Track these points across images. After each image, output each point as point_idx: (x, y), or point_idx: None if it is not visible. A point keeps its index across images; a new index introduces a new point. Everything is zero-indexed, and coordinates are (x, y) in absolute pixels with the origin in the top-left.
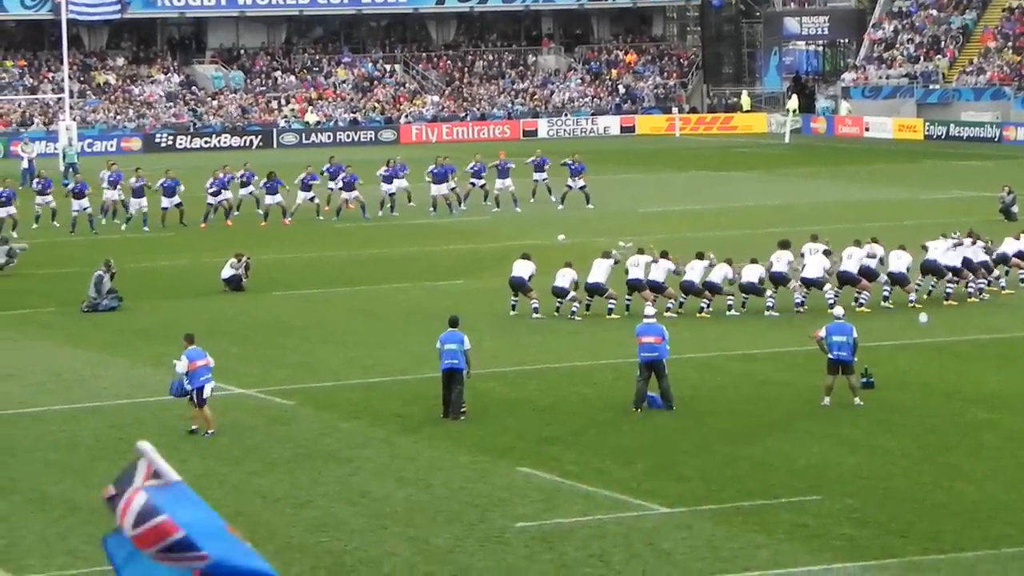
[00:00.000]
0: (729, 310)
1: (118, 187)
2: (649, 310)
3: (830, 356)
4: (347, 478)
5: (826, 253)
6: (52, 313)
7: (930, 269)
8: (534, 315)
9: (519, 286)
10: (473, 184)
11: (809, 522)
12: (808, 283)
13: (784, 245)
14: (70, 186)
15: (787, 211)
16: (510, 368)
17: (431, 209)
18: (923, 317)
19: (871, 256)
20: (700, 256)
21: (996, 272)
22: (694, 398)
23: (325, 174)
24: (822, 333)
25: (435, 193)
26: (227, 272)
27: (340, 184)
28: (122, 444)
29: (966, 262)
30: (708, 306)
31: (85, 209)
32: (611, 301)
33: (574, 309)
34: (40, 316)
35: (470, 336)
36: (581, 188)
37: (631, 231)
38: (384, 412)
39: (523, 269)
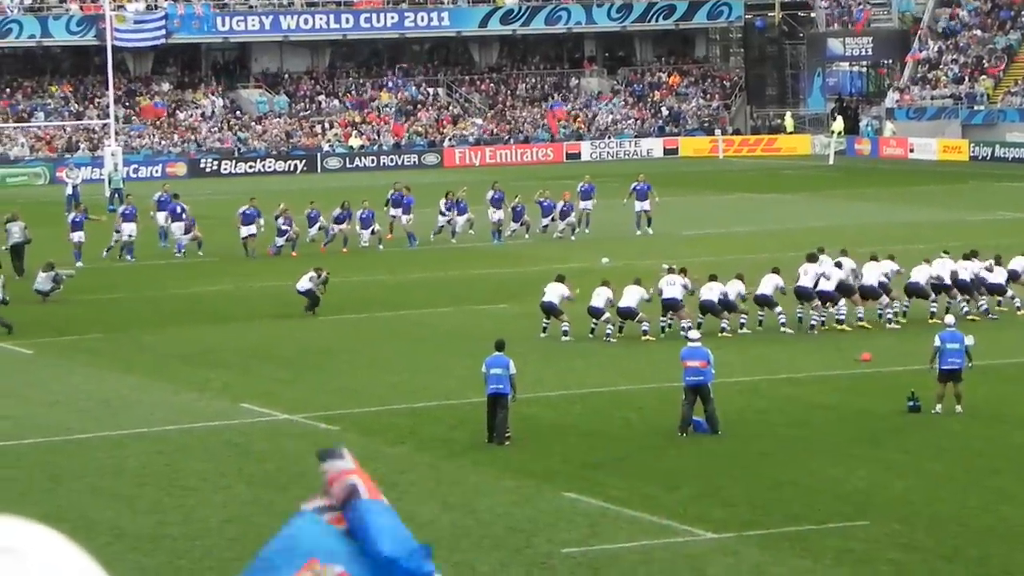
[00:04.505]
0: (741, 328)
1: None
2: (694, 334)
3: (943, 367)
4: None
5: (838, 265)
6: (98, 339)
7: (914, 291)
8: (563, 338)
9: (550, 310)
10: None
11: (856, 547)
12: (824, 297)
13: (812, 259)
14: (120, 209)
15: (832, 233)
16: (554, 392)
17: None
18: (969, 339)
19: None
20: (714, 277)
21: (1010, 292)
22: (739, 422)
23: (389, 203)
24: (936, 343)
25: (494, 219)
26: (304, 284)
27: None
28: (168, 470)
29: (961, 282)
30: (728, 326)
31: (130, 236)
32: (644, 324)
33: (608, 331)
34: (86, 342)
35: (514, 360)
36: (643, 211)
37: (675, 254)
38: (429, 437)
39: (555, 293)
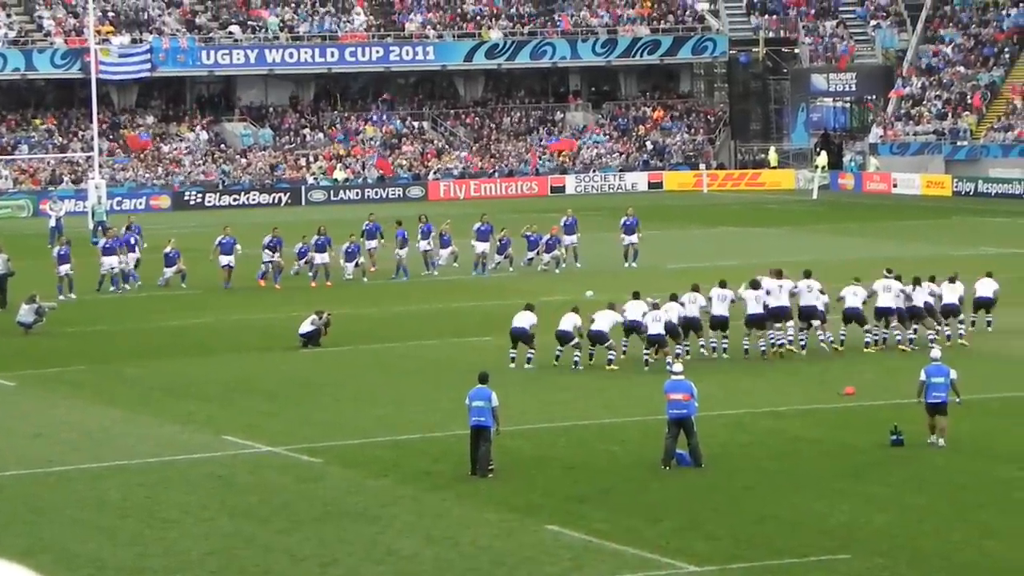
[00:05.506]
0: (700, 350)
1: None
2: (677, 367)
3: (928, 400)
4: (374, 536)
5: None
6: (81, 371)
7: (852, 316)
8: (526, 365)
9: (519, 336)
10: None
11: None
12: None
13: (755, 285)
14: (100, 243)
15: (815, 267)
16: (538, 425)
17: (477, 266)
18: (952, 374)
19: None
20: (675, 297)
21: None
22: (723, 455)
23: (364, 234)
24: (922, 377)
25: (479, 251)
26: (306, 328)
27: (390, 240)
28: (150, 502)
29: (912, 309)
30: (687, 351)
31: (112, 268)
32: (611, 352)
33: (576, 357)
34: (69, 374)
35: (498, 392)
36: (631, 244)
37: (659, 287)
38: (412, 470)
39: (524, 320)
